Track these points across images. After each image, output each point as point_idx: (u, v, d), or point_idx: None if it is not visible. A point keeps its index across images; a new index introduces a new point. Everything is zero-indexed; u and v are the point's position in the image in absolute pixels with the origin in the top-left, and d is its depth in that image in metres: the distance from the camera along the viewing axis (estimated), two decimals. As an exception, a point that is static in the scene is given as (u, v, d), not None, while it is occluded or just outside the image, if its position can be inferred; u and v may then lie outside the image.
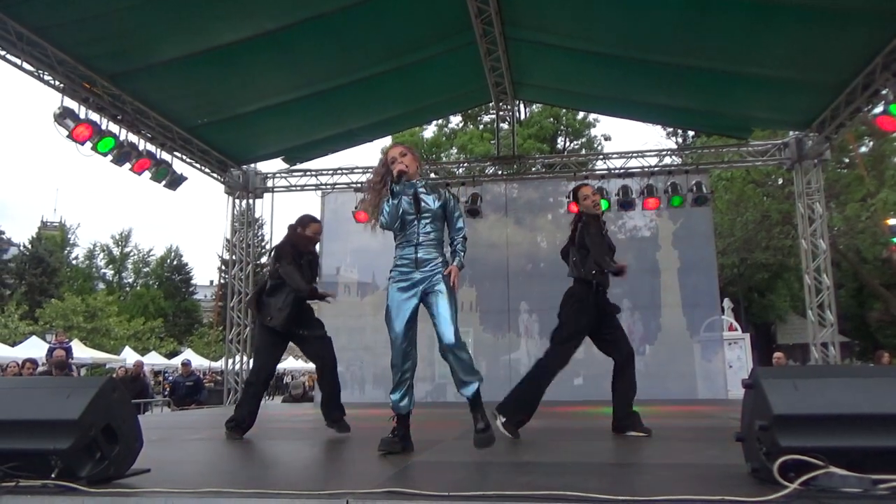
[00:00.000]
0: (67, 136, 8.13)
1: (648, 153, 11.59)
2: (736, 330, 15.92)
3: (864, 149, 19.03)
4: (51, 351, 11.32)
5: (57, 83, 7.99)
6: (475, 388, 3.64)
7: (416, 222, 3.59)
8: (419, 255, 3.57)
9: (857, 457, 2.29)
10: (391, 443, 3.57)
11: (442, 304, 3.54)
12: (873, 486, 2.22)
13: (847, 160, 19.46)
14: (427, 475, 3.00)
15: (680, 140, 25.19)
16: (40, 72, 7.82)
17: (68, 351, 11.83)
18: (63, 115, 8.05)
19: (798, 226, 11.09)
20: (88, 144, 8.40)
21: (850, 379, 2.53)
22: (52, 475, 2.58)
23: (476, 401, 3.68)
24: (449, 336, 3.52)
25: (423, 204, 3.60)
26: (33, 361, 10.09)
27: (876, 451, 2.30)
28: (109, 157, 8.78)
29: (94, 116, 8.43)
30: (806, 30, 7.45)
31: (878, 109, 8.33)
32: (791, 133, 10.86)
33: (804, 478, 2.23)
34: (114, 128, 8.78)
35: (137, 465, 2.93)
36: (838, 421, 2.32)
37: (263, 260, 29.52)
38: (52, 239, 43.81)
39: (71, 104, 8.14)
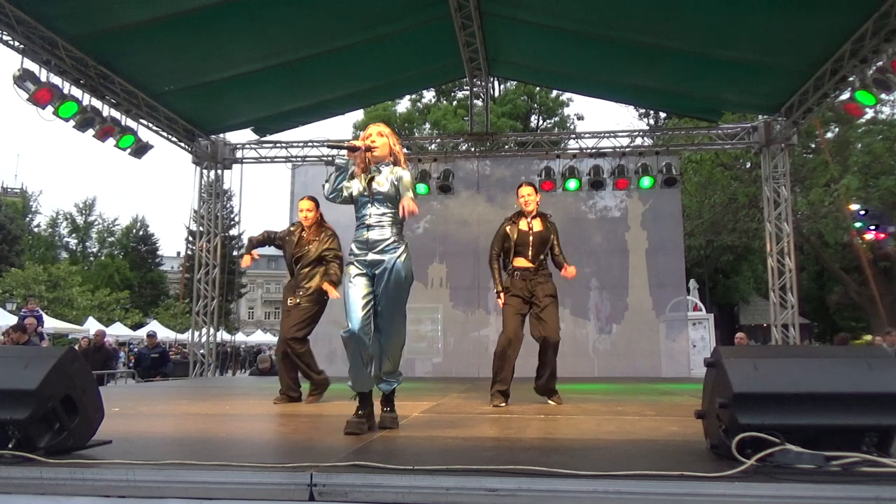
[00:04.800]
0: (28, 100, 7.88)
1: (620, 133, 11.65)
2: (700, 310, 16.24)
3: (829, 135, 19.35)
4: (22, 319, 11.07)
5: (16, 44, 7.70)
6: (389, 388, 3.70)
7: (368, 204, 3.58)
8: (370, 236, 3.54)
9: (812, 434, 2.36)
10: (357, 424, 3.48)
11: (383, 293, 3.52)
12: (826, 463, 2.29)
13: (813, 145, 19.78)
14: (391, 449, 3.00)
15: (652, 122, 25.33)
16: (-2, 31, 7.54)
17: (39, 319, 11.66)
18: (23, 78, 7.78)
19: (764, 209, 11.28)
20: (50, 108, 8.15)
21: (808, 359, 2.59)
22: (10, 445, 2.55)
23: (388, 398, 3.74)
24: (379, 325, 3.55)
25: (374, 186, 3.57)
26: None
27: (829, 428, 2.37)
28: (72, 122, 8.54)
29: (56, 80, 8.18)
30: (777, 14, 7.51)
31: (845, 96, 8.46)
32: (760, 117, 11.00)
33: (761, 454, 2.28)
34: (76, 92, 8.53)
35: (99, 437, 2.89)
36: (795, 400, 2.38)
37: (232, 232, 29.12)
38: (13, 206, 42.54)
39: (32, 66, 7.87)
